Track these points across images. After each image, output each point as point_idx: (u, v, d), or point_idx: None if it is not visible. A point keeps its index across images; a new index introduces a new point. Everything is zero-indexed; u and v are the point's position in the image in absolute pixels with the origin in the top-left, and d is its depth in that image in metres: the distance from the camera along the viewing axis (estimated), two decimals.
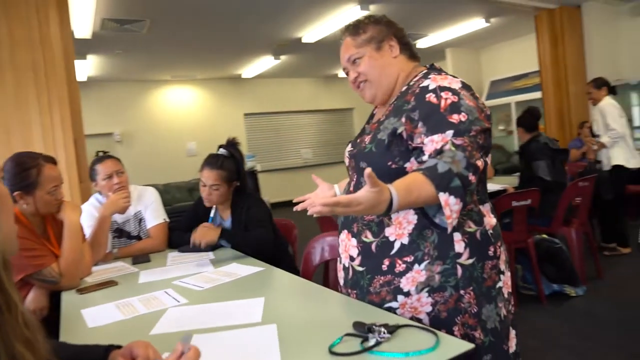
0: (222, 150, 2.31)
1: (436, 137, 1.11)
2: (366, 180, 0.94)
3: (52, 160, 1.80)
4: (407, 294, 1.19)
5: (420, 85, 1.20)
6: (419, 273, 1.18)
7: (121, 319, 1.37)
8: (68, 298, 1.65)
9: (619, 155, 4.14)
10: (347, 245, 1.31)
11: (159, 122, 9.10)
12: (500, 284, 1.25)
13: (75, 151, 3.22)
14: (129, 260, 2.20)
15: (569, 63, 6.58)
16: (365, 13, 5.71)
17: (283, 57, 8.01)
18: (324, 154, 10.76)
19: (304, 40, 6.90)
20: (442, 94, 1.14)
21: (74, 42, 3.44)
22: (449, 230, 1.09)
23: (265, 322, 1.20)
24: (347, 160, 1.38)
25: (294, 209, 1.43)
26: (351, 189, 1.34)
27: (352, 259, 1.30)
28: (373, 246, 1.24)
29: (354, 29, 1.32)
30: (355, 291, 1.30)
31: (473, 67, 9.20)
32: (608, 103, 4.20)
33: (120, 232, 2.36)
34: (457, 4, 5.98)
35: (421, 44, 8.00)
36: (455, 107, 1.12)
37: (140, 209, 2.39)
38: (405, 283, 1.19)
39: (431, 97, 1.15)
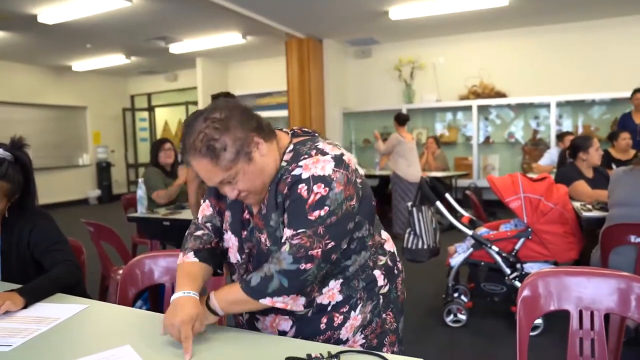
0: (2, 152, 1.66)
1: (287, 232, 1.08)
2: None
3: None
4: (346, 342, 1.19)
5: (292, 173, 1.09)
6: (356, 319, 1.18)
7: None
8: None
9: None
10: (277, 320, 1.19)
11: None
12: (404, 295, 1.31)
13: None
14: None
15: (313, 89, 7.44)
16: (127, 4, 5.25)
17: (3, 34, 6.46)
18: (49, 156, 9.05)
19: (40, 20, 5.72)
20: (315, 187, 1.06)
21: None
22: (301, 311, 1.14)
23: None
24: (235, 245, 1.25)
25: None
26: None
27: (283, 333, 1.19)
28: (309, 314, 1.18)
29: (209, 151, 1.04)
30: None
31: (221, 79, 9.37)
32: None
33: None
34: (218, 15, 5.99)
35: (174, 49, 7.72)
36: (320, 202, 1.06)
37: None
38: (345, 333, 1.18)
39: (302, 190, 1.07)
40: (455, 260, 3.03)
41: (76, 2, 5.23)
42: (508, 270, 2.89)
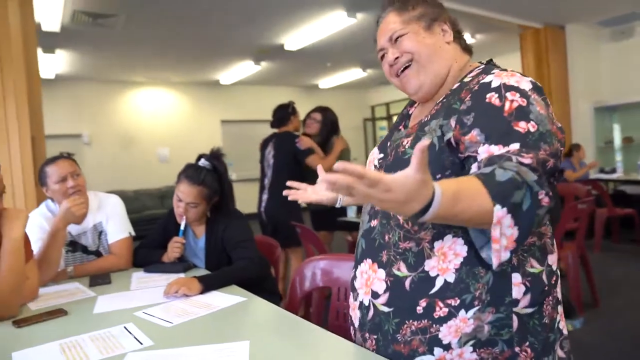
0: (203, 162, 2.01)
1: (495, 149, 0.87)
2: (414, 157, 0.68)
3: None
4: (447, 347, 0.92)
5: (481, 82, 0.96)
6: (465, 322, 0.92)
7: None
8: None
9: None
10: (371, 278, 1.03)
11: (131, 125, 8.68)
12: (558, 317, 1.00)
13: (33, 150, 2.87)
14: (86, 280, 1.88)
15: (553, 83, 6.55)
16: (353, 21, 5.64)
17: (264, 64, 7.76)
18: None
19: (286, 48, 6.67)
20: (508, 94, 0.90)
21: (40, 34, 3.12)
22: (494, 266, 0.82)
23: None
24: (372, 169, 1.12)
25: (288, 196, 1.39)
26: (378, 207, 1.09)
27: (375, 295, 1.01)
28: (407, 282, 0.96)
29: (402, 3, 1.09)
30: (374, 336, 1.01)
31: None
32: None
33: (74, 246, 2.02)
34: None
35: None
36: (522, 113, 0.88)
37: (100, 220, 2.07)
38: (446, 332, 0.92)
39: (493, 98, 0.91)
40: None
41: (311, 28, 5.89)
42: None
